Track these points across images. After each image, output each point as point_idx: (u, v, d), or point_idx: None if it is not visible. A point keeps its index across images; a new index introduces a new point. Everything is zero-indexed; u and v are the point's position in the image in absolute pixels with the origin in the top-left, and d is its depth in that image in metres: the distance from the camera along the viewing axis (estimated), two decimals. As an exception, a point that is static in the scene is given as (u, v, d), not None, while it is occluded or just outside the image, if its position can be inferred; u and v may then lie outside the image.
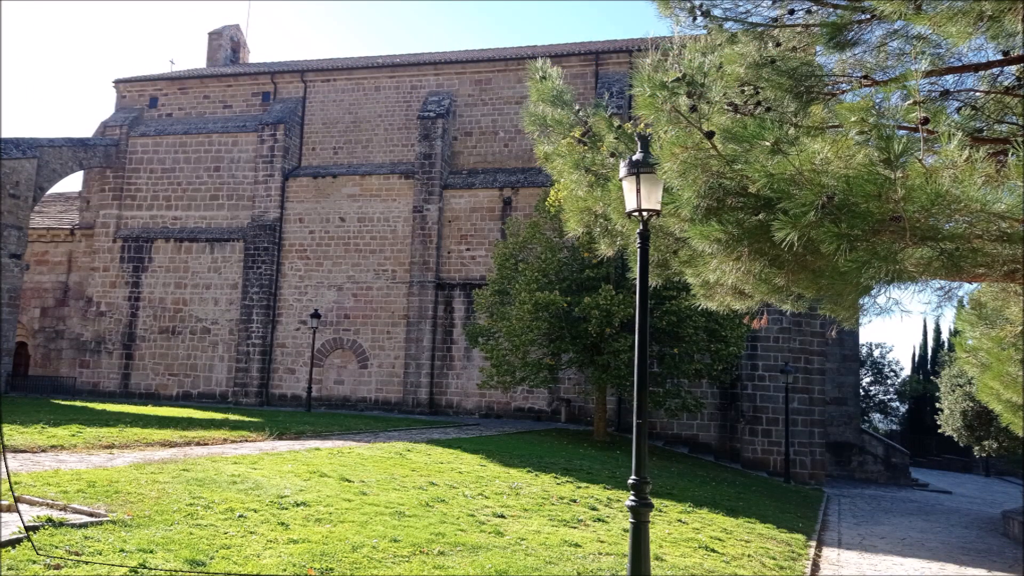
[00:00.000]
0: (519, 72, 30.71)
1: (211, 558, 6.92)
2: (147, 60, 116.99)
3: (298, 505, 9.39)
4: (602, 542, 9.70)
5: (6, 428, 14.16)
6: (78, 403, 24.45)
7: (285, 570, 6.84)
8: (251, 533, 7.94)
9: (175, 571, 6.43)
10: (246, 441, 15.77)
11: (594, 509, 11.92)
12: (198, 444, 14.65)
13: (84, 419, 17.26)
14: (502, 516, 10.49)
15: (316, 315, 29.10)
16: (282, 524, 8.43)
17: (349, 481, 11.39)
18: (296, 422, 20.32)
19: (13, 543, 6.60)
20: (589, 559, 8.68)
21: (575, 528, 10.41)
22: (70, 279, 35.00)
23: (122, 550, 6.82)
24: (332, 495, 10.19)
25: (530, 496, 12.17)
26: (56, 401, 25.12)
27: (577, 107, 8.31)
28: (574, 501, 12.35)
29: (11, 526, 6.96)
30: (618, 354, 20.59)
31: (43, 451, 12.25)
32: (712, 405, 27.14)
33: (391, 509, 9.79)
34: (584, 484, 14.06)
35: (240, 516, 8.52)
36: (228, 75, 35.58)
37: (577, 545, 9.27)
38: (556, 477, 14.40)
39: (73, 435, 14.04)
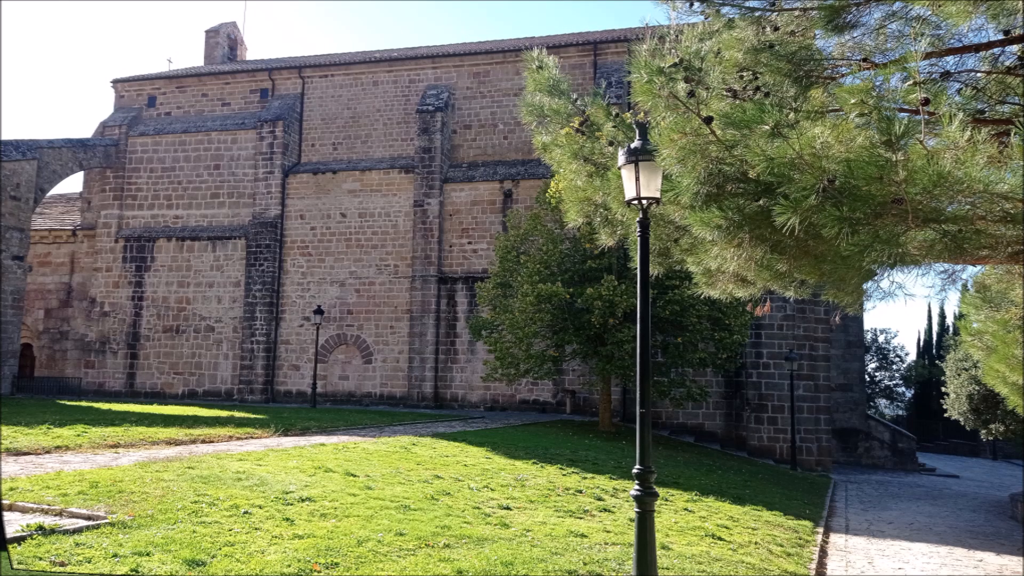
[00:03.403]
0: (517, 64, 30.56)
1: (213, 557, 6.88)
2: (145, 59, 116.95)
3: (303, 500, 9.39)
4: (608, 532, 9.68)
5: (11, 430, 14.18)
6: (84, 403, 24.47)
7: (290, 566, 6.82)
8: (256, 529, 7.93)
9: (171, 575, 6.34)
10: (251, 438, 15.78)
11: (600, 499, 11.91)
12: (203, 442, 14.66)
13: (89, 419, 17.27)
14: (508, 508, 10.48)
15: (319, 311, 29.09)
16: (287, 520, 8.42)
17: (354, 476, 11.38)
18: (301, 418, 20.34)
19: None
20: (595, 549, 8.67)
21: (581, 519, 10.40)
22: (73, 280, 35.04)
23: (115, 555, 6.64)
24: (337, 490, 10.18)
25: (536, 488, 12.16)
26: (62, 402, 25.15)
27: (575, 96, 8.25)
28: (580, 492, 12.34)
29: None
30: (622, 344, 20.54)
31: (47, 452, 12.26)
32: (717, 394, 27.08)
33: (396, 503, 9.78)
34: (590, 475, 14.05)
35: (245, 512, 8.51)
36: (226, 73, 35.50)
37: (583, 536, 9.26)
38: (562, 468, 14.39)
39: (78, 435, 14.05)
